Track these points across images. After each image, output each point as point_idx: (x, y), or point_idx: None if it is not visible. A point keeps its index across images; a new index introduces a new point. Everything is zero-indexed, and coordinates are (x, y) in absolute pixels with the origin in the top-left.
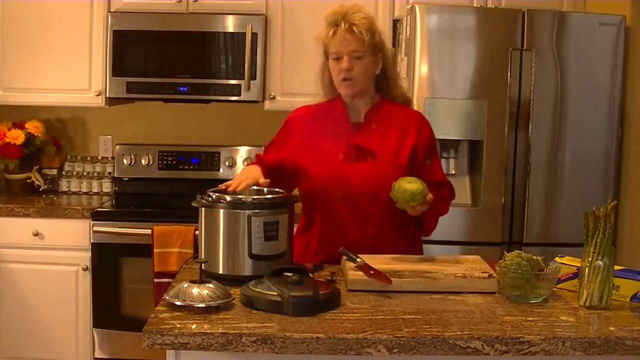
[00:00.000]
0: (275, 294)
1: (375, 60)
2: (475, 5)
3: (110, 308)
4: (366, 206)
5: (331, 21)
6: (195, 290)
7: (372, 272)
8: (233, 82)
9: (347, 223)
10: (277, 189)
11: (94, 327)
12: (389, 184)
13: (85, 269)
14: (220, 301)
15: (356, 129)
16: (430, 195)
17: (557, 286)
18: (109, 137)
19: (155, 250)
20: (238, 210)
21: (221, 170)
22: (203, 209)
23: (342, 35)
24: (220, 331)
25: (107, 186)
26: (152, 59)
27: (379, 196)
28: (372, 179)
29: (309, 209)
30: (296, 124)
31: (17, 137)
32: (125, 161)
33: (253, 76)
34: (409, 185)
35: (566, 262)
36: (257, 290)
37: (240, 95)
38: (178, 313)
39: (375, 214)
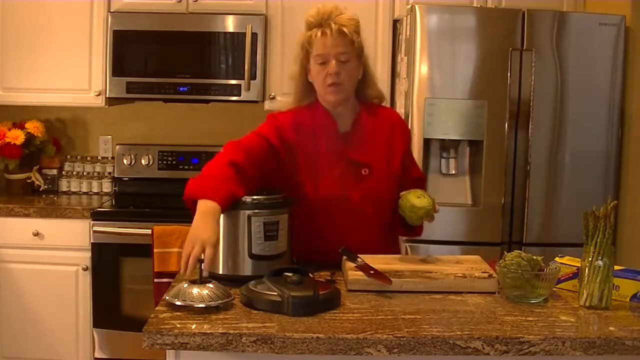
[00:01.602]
0: (275, 294)
1: (359, 63)
2: (475, 5)
3: (110, 308)
4: (366, 219)
5: (315, 22)
6: (195, 290)
7: (372, 272)
8: (233, 82)
9: (345, 233)
10: (277, 190)
11: (94, 327)
12: (386, 196)
13: (85, 269)
14: (220, 301)
15: (345, 139)
16: (437, 207)
17: (557, 286)
18: (109, 137)
19: (155, 250)
20: (238, 210)
21: None
22: None
23: (333, 37)
24: (220, 331)
25: (107, 186)
26: (152, 59)
27: (378, 208)
28: (371, 194)
29: (303, 222)
30: (279, 132)
31: (17, 137)
32: (125, 161)
33: (253, 76)
34: (419, 201)
35: (566, 262)
36: (257, 290)
37: (240, 95)
38: (178, 313)
39: (374, 224)
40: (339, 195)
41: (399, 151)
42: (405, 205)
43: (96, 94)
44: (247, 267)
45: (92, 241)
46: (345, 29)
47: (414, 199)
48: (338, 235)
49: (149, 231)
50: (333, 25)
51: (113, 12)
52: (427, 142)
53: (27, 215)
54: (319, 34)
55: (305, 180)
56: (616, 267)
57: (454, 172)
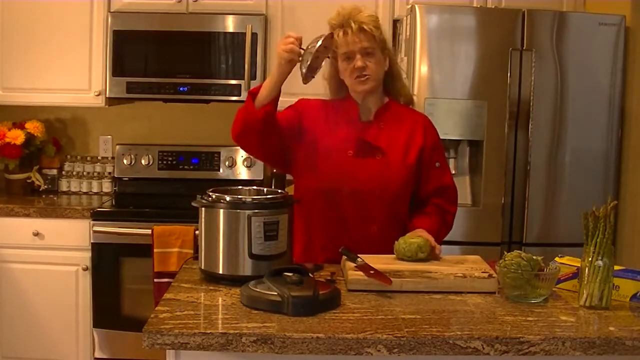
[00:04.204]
0: (275, 294)
1: (383, 56)
2: (475, 5)
3: (110, 308)
4: (372, 203)
5: (337, 23)
6: None
7: (372, 272)
8: (233, 82)
9: (351, 219)
10: (277, 190)
11: (94, 327)
12: (396, 182)
13: (85, 269)
14: None
15: (366, 126)
16: (438, 248)
17: (557, 286)
18: (109, 137)
19: (155, 250)
20: (238, 210)
21: (221, 170)
22: (203, 209)
23: (355, 35)
24: (220, 331)
25: (107, 186)
26: (152, 59)
27: (385, 193)
28: (380, 176)
29: (309, 206)
30: (306, 110)
31: (17, 137)
32: (125, 161)
33: (253, 76)
34: (413, 239)
35: (566, 262)
36: (257, 290)
37: (240, 95)
38: (178, 313)
39: (380, 212)
40: (349, 171)
41: (417, 146)
42: (398, 244)
43: (96, 94)
44: (247, 267)
45: (92, 241)
46: (365, 26)
47: (407, 238)
48: (342, 215)
49: (149, 231)
50: (353, 24)
51: (113, 12)
52: None
53: (27, 215)
54: (341, 33)
55: (320, 154)
56: (616, 267)
57: (454, 172)
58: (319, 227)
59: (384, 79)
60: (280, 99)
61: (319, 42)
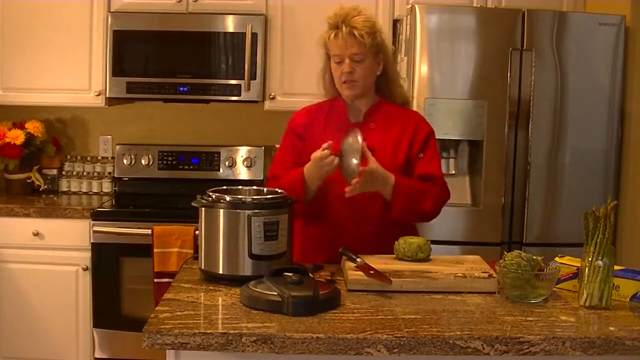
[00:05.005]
0: (275, 294)
1: (376, 61)
2: (475, 5)
3: (110, 308)
4: (365, 204)
5: (332, 23)
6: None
7: (372, 272)
8: (233, 82)
9: (345, 221)
10: (277, 189)
11: (94, 327)
12: None
13: (85, 269)
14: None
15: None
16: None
17: (557, 286)
18: (109, 137)
19: (155, 250)
20: (238, 210)
21: (221, 170)
22: (203, 209)
23: (344, 39)
24: (220, 331)
25: (107, 186)
26: (152, 59)
27: (378, 194)
28: None
29: (306, 208)
30: (302, 128)
31: (17, 137)
32: (125, 161)
33: (253, 76)
34: (413, 239)
35: (566, 262)
36: (257, 290)
37: (240, 95)
38: (178, 313)
39: (374, 212)
40: (339, 174)
41: (406, 142)
42: (398, 244)
43: (96, 94)
44: (247, 267)
45: (92, 241)
46: (356, 32)
47: (407, 238)
48: (336, 216)
49: (149, 231)
50: (344, 27)
51: (113, 12)
52: None
53: (27, 215)
54: (332, 35)
55: (309, 158)
56: (616, 267)
57: (453, 172)
58: (315, 228)
59: (379, 82)
60: (282, 99)
61: (359, 139)
